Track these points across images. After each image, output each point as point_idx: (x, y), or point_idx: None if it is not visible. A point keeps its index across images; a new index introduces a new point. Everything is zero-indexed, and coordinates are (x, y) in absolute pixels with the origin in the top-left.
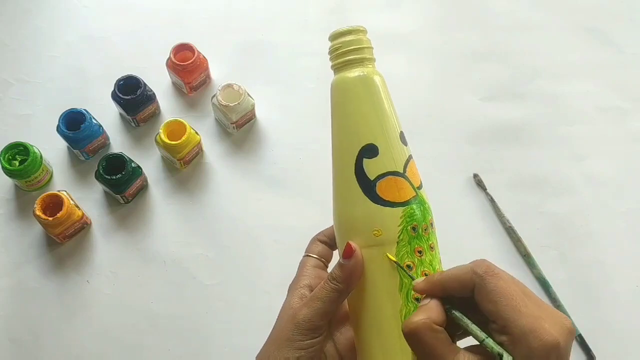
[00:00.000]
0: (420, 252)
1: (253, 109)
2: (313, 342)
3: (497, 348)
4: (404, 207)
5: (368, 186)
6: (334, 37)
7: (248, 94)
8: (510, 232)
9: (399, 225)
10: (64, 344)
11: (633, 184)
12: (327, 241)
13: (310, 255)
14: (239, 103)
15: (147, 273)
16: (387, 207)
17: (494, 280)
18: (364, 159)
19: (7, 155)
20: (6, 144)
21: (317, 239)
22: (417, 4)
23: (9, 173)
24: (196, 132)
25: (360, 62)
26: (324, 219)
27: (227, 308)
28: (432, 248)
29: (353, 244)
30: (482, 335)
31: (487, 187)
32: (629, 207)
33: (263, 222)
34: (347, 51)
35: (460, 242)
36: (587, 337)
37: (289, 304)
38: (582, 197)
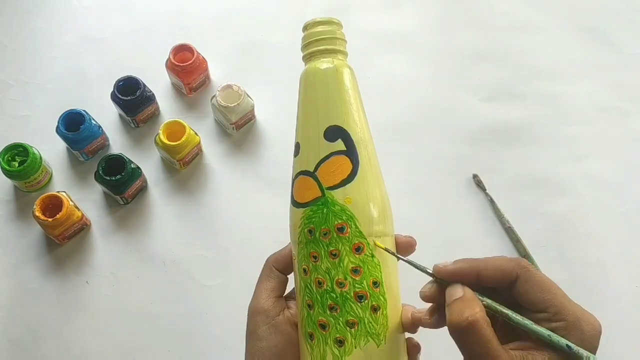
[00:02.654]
0: (315, 257)
1: (252, 109)
2: (270, 326)
3: (548, 333)
4: (303, 209)
5: (292, 185)
6: (302, 28)
7: (247, 94)
8: (510, 232)
9: (299, 227)
10: (63, 344)
11: (633, 184)
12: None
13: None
14: (238, 104)
15: (147, 274)
16: (295, 207)
17: (538, 273)
18: (294, 157)
19: (6, 156)
20: (5, 145)
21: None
22: (417, 4)
23: (9, 174)
24: (195, 133)
25: (312, 55)
26: None
27: (226, 309)
28: (334, 255)
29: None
30: (527, 321)
31: (486, 188)
32: (628, 207)
33: (262, 223)
34: (307, 44)
35: (460, 242)
36: None
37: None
38: (582, 197)
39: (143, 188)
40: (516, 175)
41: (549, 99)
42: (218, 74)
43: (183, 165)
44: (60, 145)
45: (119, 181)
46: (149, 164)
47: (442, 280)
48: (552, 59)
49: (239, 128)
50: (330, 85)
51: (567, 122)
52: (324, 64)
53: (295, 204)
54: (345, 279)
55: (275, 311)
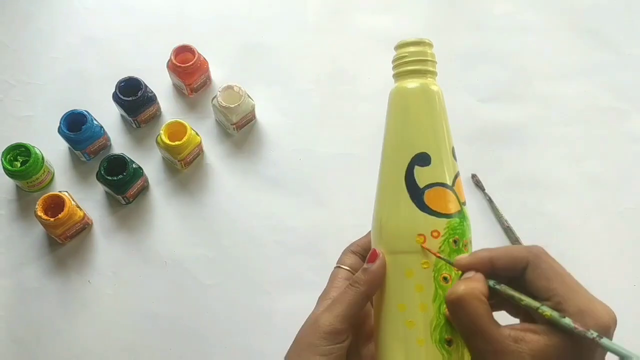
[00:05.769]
0: None
1: (253, 110)
2: (334, 347)
3: (556, 314)
4: (448, 219)
5: (416, 193)
6: (400, 46)
7: (248, 95)
8: (509, 232)
9: (442, 236)
10: (65, 344)
11: (630, 184)
12: (361, 252)
13: (341, 267)
14: (239, 104)
15: (148, 273)
16: (432, 216)
17: (550, 260)
18: (416, 166)
19: (8, 157)
20: (8, 145)
21: (350, 250)
22: (415, 6)
23: (11, 174)
24: (197, 133)
25: (423, 73)
26: (324, 220)
27: (227, 308)
28: None
29: (378, 250)
30: (537, 303)
31: (485, 188)
32: (626, 207)
33: (263, 223)
34: (411, 61)
35: None
36: None
37: (313, 311)
38: (580, 198)
39: (144, 188)
40: (515, 175)
41: (548, 100)
42: (219, 75)
43: (184, 166)
44: (62, 145)
45: (120, 181)
46: (151, 164)
47: (461, 270)
48: (550, 60)
49: (239, 128)
50: (444, 107)
51: (566, 122)
52: (435, 86)
53: (430, 212)
54: None
55: (344, 337)
